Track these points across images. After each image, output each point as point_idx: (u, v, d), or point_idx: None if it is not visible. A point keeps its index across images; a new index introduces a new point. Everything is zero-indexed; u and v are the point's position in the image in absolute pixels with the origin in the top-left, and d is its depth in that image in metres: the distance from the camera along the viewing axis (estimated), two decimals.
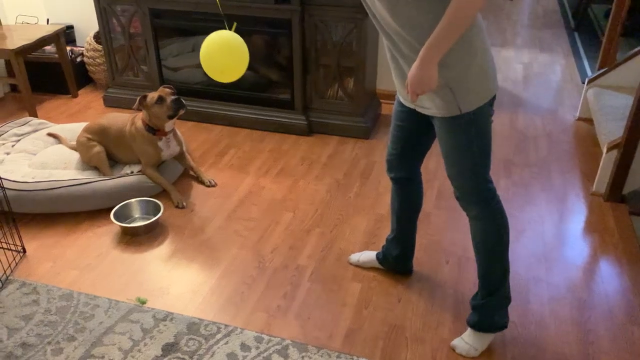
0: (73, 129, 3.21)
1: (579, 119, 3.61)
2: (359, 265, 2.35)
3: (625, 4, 3.34)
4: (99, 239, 2.54)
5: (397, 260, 2.26)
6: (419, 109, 1.79)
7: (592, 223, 2.65)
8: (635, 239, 2.53)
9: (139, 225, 2.56)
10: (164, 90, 2.75)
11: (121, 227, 2.55)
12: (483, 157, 1.76)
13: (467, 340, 1.96)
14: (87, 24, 4.10)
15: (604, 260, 2.42)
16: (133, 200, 2.67)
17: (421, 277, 2.30)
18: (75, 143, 3.00)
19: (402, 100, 1.88)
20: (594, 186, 2.85)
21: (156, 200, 2.67)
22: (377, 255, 2.31)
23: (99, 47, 3.82)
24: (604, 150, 2.80)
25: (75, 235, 2.57)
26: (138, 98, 2.73)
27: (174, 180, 2.92)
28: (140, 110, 2.77)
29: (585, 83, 3.58)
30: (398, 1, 1.53)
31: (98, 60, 3.90)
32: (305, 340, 2.00)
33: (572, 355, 1.95)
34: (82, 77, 4.06)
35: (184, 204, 2.77)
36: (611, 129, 2.96)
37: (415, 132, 1.93)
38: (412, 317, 2.11)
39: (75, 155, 2.94)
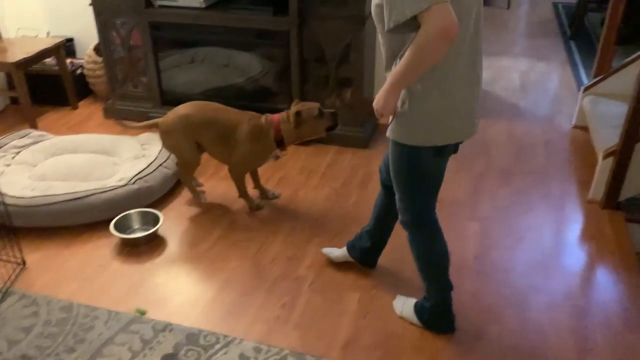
0: (74, 141, 3.23)
1: (576, 126, 3.63)
2: (332, 260, 2.42)
3: (620, 12, 3.38)
4: (99, 251, 2.56)
5: (365, 252, 2.33)
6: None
7: (589, 230, 2.67)
8: (631, 246, 2.54)
9: (138, 236, 2.57)
10: (314, 104, 2.60)
11: (121, 238, 2.57)
12: (414, 192, 1.86)
13: (404, 305, 2.16)
14: (87, 36, 4.13)
15: (601, 267, 2.43)
16: (132, 211, 2.69)
17: (420, 286, 2.30)
18: (148, 124, 2.81)
19: None
20: (591, 194, 2.86)
21: (156, 211, 2.68)
22: (347, 243, 2.37)
23: (99, 59, 3.85)
24: (600, 157, 2.82)
25: (76, 247, 2.59)
26: (293, 114, 2.55)
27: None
28: (297, 126, 2.56)
29: (581, 91, 3.60)
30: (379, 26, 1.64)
31: (98, 72, 3.93)
32: (304, 350, 2.01)
33: None
34: (82, 89, 4.09)
35: (263, 203, 2.82)
36: (607, 136, 2.98)
37: None
38: (410, 326, 2.12)
39: (77, 166, 2.95)
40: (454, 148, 1.81)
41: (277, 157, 2.78)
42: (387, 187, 2.12)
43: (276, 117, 2.62)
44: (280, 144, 2.63)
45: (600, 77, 3.52)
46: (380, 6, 1.56)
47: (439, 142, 1.72)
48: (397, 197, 1.92)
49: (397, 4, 1.45)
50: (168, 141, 2.74)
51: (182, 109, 2.71)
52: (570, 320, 2.14)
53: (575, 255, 2.51)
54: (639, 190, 2.76)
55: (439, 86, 1.64)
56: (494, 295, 2.25)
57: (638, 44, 2.98)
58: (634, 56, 3.34)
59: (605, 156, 2.77)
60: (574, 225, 2.71)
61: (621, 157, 2.67)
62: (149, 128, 2.85)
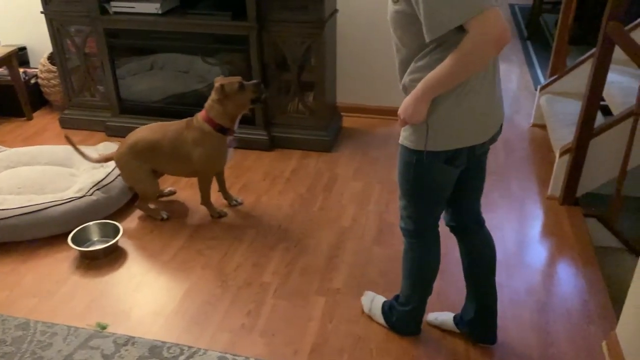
0: (28, 153, 3.13)
1: (534, 125, 3.72)
2: (436, 326, 2.12)
3: (572, 13, 3.47)
4: (57, 265, 2.48)
5: (472, 324, 2.01)
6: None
7: (549, 227, 2.72)
8: (589, 240, 2.61)
9: (98, 249, 2.50)
10: (235, 77, 2.58)
11: (80, 251, 2.50)
12: (420, 201, 1.79)
13: (373, 303, 2.15)
14: (40, 44, 4.02)
15: (561, 262, 2.49)
16: (91, 223, 2.62)
17: (386, 287, 2.31)
18: (103, 157, 2.78)
19: None
20: (549, 190, 2.93)
21: (115, 223, 2.62)
22: (455, 316, 2.09)
23: (54, 68, 3.75)
24: (557, 154, 2.89)
25: (33, 262, 2.50)
26: (216, 88, 2.52)
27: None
28: (221, 101, 2.53)
29: (538, 90, 3.69)
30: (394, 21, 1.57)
31: (53, 81, 3.83)
32: (271, 358, 1.99)
33: (534, 358, 1.99)
34: (37, 99, 3.97)
35: (225, 211, 2.79)
36: (563, 134, 3.06)
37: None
38: (376, 328, 2.12)
39: (32, 179, 2.86)
40: (467, 157, 1.66)
41: (235, 146, 2.72)
42: (454, 231, 1.95)
43: (203, 110, 2.62)
44: (223, 131, 2.60)
45: (556, 76, 3.61)
46: (401, 12, 1.49)
47: (452, 146, 1.61)
48: (401, 203, 1.84)
49: (442, 11, 1.38)
50: (124, 173, 2.75)
51: (129, 139, 2.69)
52: (532, 315, 2.17)
53: (536, 251, 2.56)
54: (595, 186, 2.84)
55: (449, 95, 1.55)
56: (459, 293, 2.26)
57: (590, 43, 3.06)
58: (586, 55, 3.44)
59: (562, 153, 2.84)
60: (535, 222, 2.77)
61: (577, 154, 2.74)
62: (105, 161, 2.80)
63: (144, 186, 2.72)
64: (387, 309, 2.10)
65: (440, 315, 2.13)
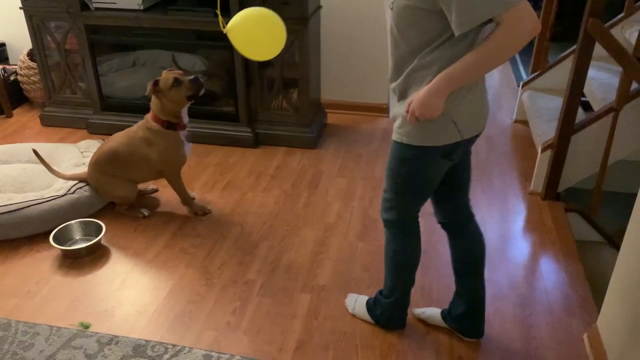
0: (7, 151, 3.08)
1: (516, 121, 3.75)
2: (422, 319, 2.13)
3: (553, 10, 3.51)
4: (38, 264, 2.45)
5: (462, 319, 2.02)
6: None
7: (531, 221, 2.75)
8: (571, 235, 2.64)
9: (80, 248, 2.48)
10: (173, 72, 2.51)
11: (61, 250, 2.47)
12: (408, 194, 1.79)
13: (356, 302, 2.16)
14: (19, 41, 3.96)
15: (543, 257, 2.52)
16: (73, 222, 2.59)
17: (371, 283, 2.32)
18: (75, 176, 2.76)
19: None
20: (532, 186, 2.96)
21: (97, 221, 2.59)
22: (442, 311, 2.10)
23: (34, 64, 3.69)
24: (539, 150, 2.92)
25: (13, 261, 2.46)
26: (149, 84, 2.45)
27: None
28: (158, 97, 2.48)
29: (520, 86, 3.73)
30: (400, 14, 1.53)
31: (33, 78, 3.77)
32: (255, 355, 1.99)
33: (516, 351, 2.01)
34: (16, 96, 3.91)
35: (209, 209, 2.76)
36: (545, 129, 3.09)
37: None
38: (361, 324, 2.13)
39: (11, 177, 2.82)
40: (463, 150, 1.69)
41: (190, 140, 2.68)
42: (445, 227, 1.96)
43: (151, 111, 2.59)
44: (172, 126, 2.56)
45: (537, 72, 3.65)
46: (413, 8, 1.46)
47: (450, 140, 1.61)
48: (385, 195, 1.83)
49: (476, 4, 1.36)
50: (99, 191, 2.73)
51: (92, 158, 2.70)
52: (515, 309, 2.20)
53: (518, 246, 2.59)
54: (576, 181, 2.88)
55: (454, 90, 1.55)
56: (442, 289, 2.29)
57: (571, 40, 3.10)
58: (567, 52, 3.48)
59: (544, 149, 2.87)
60: (517, 217, 2.80)
61: (558, 149, 2.77)
62: (78, 179, 2.76)
63: (120, 194, 2.70)
64: (372, 304, 2.11)
65: (427, 310, 2.14)
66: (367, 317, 2.12)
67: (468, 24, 1.41)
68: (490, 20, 1.42)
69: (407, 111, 1.60)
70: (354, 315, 2.16)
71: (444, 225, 1.96)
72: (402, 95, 1.65)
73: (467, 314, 2.00)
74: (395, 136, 1.71)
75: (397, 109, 1.68)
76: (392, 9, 1.55)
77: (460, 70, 1.47)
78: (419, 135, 1.63)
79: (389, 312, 2.06)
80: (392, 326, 2.10)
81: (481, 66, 1.46)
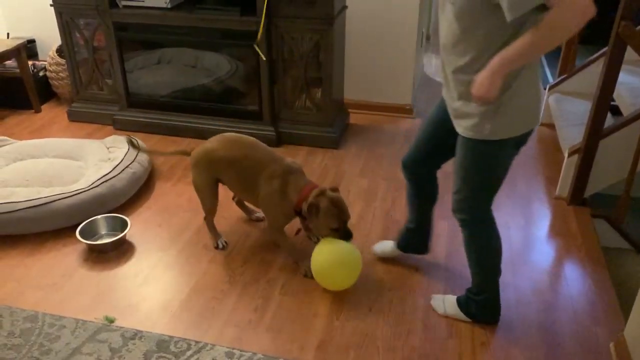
0: (36, 145, 3.14)
1: (542, 124, 3.70)
2: (381, 257, 2.43)
3: None
4: (64, 258, 2.49)
5: (411, 235, 2.34)
6: (454, 121, 1.81)
7: (556, 227, 2.72)
8: (597, 241, 2.60)
9: (105, 242, 2.51)
10: (341, 214, 2.24)
11: (87, 244, 2.50)
12: (486, 189, 1.85)
13: (445, 304, 2.17)
14: (49, 37, 4.03)
15: (568, 263, 2.48)
16: (99, 217, 2.62)
17: (392, 286, 2.31)
18: (181, 152, 2.60)
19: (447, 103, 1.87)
20: (557, 190, 2.92)
21: (123, 216, 2.62)
22: (398, 244, 2.39)
23: (62, 61, 3.75)
24: (566, 155, 2.87)
25: (40, 254, 2.51)
26: (308, 207, 2.19)
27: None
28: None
29: (547, 89, 3.67)
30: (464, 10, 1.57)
31: (61, 74, 3.83)
32: (277, 354, 1.99)
33: (539, 358, 1.99)
34: (45, 91, 3.98)
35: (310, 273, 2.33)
36: (572, 134, 3.04)
37: (445, 136, 1.93)
38: (383, 326, 2.12)
39: (40, 171, 2.86)
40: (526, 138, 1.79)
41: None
42: (413, 178, 2.15)
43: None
44: (299, 214, 2.36)
45: (565, 75, 3.59)
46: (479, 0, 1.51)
47: (527, 128, 1.73)
48: (460, 196, 1.88)
49: None
50: (192, 175, 2.48)
51: (210, 143, 2.44)
52: (539, 315, 2.17)
53: (543, 251, 2.55)
54: (603, 186, 2.83)
55: (528, 75, 1.64)
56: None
57: (600, 43, 3.05)
58: (595, 55, 3.42)
59: (571, 153, 2.83)
60: (542, 221, 2.76)
61: (585, 154, 2.73)
62: (180, 155, 2.63)
63: (204, 195, 2.50)
64: (464, 303, 2.12)
65: (380, 245, 2.44)
66: (461, 316, 2.13)
67: (519, 8, 1.43)
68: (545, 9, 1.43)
69: (472, 92, 1.64)
70: (447, 317, 2.15)
71: (405, 168, 2.13)
72: (463, 95, 1.71)
73: (418, 229, 2.29)
74: (469, 134, 1.74)
75: (465, 108, 1.72)
76: (453, 3, 1.57)
77: (513, 52, 1.51)
78: (498, 129, 1.69)
79: (485, 306, 2.09)
80: (491, 320, 2.11)
81: (534, 48, 1.49)
